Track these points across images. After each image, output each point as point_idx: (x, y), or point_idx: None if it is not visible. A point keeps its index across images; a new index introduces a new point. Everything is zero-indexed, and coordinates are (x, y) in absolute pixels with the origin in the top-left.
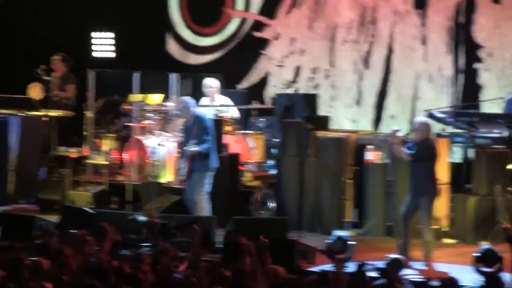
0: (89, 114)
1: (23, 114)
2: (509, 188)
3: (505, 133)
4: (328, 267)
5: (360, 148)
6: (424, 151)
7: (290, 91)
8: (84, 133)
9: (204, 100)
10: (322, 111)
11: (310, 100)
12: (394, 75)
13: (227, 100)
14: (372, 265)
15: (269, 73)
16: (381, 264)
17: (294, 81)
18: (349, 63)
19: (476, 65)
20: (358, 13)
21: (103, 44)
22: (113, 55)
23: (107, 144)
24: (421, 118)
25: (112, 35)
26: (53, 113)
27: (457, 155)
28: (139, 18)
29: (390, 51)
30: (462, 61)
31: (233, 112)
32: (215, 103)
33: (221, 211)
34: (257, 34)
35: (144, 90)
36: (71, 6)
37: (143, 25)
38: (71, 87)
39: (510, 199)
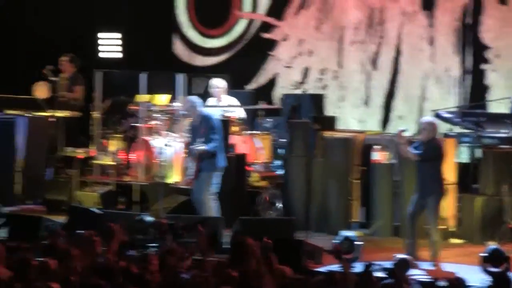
0: (96, 114)
1: (30, 115)
2: None
3: None
4: (335, 267)
5: (367, 148)
6: (430, 150)
7: (298, 92)
8: (91, 133)
9: (210, 101)
10: (330, 111)
11: (317, 100)
12: (401, 75)
13: (233, 101)
14: (379, 265)
15: (277, 74)
16: (388, 264)
17: (302, 82)
18: (357, 64)
19: (483, 66)
20: (366, 14)
21: (110, 45)
22: (120, 55)
23: (114, 145)
24: (427, 117)
25: (119, 35)
26: (60, 113)
27: (464, 155)
28: (145, 18)
29: (397, 52)
30: (469, 62)
31: (239, 113)
32: (222, 103)
33: (228, 211)
34: (265, 35)
35: (151, 90)
36: (77, 7)
37: (150, 26)
38: (80, 88)
39: None
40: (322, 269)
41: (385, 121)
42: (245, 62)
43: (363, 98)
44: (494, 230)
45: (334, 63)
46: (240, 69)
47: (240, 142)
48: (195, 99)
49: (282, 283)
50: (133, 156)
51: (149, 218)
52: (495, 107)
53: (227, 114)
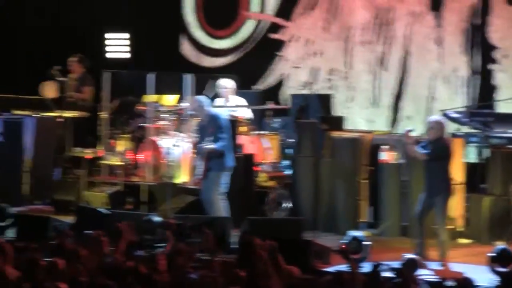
0: (104, 115)
1: (38, 115)
2: None
3: None
4: (343, 267)
5: (375, 148)
6: (438, 150)
7: (306, 92)
8: (99, 134)
9: (218, 101)
10: (338, 112)
11: (325, 100)
12: (409, 76)
13: (241, 101)
14: (387, 265)
15: (285, 74)
16: (396, 264)
17: (311, 83)
18: (365, 64)
19: (491, 66)
20: (373, 14)
21: (117, 45)
22: (127, 56)
23: (122, 145)
24: (435, 116)
25: (126, 35)
26: (68, 114)
27: (472, 155)
28: (153, 19)
29: (405, 52)
30: (477, 62)
31: (246, 113)
32: (230, 103)
33: (236, 211)
34: (274, 36)
35: (159, 91)
36: (85, 7)
37: (157, 26)
38: (88, 89)
39: None
40: (330, 269)
41: (394, 121)
42: (253, 62)
43: (371, 98)
44: (502, 230)
45: (342, 63)
46: (248, 69)
47: (248, 142)
48: (202, 99)
49: (290, 283)
50: (141, 156)
51: (157, 218)
52: (503, 107)
53: (235, 114)
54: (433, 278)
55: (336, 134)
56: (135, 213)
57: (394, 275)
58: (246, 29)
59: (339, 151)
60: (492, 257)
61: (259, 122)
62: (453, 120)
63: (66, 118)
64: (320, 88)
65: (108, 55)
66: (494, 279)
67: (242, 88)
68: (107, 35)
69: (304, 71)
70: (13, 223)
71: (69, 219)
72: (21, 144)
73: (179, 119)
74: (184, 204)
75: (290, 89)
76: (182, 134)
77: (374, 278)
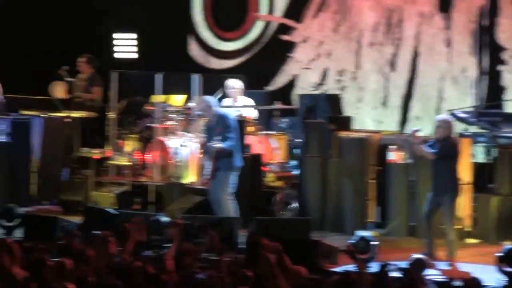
0: (111, 115)
1: (46, 115)
2: None
3: None
4: (351, 267)
5: (382, 149)
6: (446, 148)
7: (313, 92)
8: (107, 134)
9: (226, 101)
10: (348, 112)
11: (333, 100)
12: (418, 76)
13: (249, 101)
14: (395, 266)
15: (296, 75)
16: (404, 264)
17: (321, 84)
18: (375, 65)
19: (500, 67)
20: (383, 15)
21: (125, 45)
22: (135, 56)
23: (129, 145)
24: (443, 115)
25: (134, 36)
26: (75, 114)
27: (480, 155)
28: (161, 19)
29: (415, 53)
30: (485, 63)
31: (251, 113)
32: (238, 104)
33: (243, 211)
34: (285, 37)
35: (167, 91)
36: (93, 7)
37: (165, 27)
38: (97, 89)
39: None
40: (337, 269)
41: (403, 121)
42: (261, 63)
43: (381, 99)
44: (510, 230)
45: (351, 64)
46: (257, 70)
47: (256, 142)
48: (210, 99)
49: (297, 283)
50: (148, 157)
51: (164, 219)
52: (511, 107)
53: (243, 114)
54: (440, 278)
55: (343, 134)
56: (143, 213)
57: (401, 275)
58: (255, 31)
59: (346, 151)
60: (500, 257)
61: (267, 122)
62: (461, 120)
63: (74, 118)
64: (330, 89)
65: (116, 55)
66: (502, 279)
67: (251, 89)
68: (114, 35)
69: (314, 72)
70: (21, 223)
71: (77, 219)
72: (29, 145)
73: (187, 119)
74: (191, 204)
75: (300, 90)
76: (189, 134)
77: (381, 278)
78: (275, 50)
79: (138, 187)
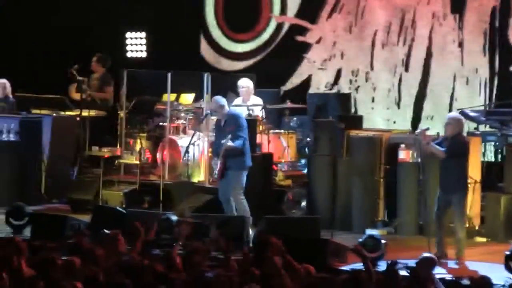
0: (122, 114)
1: (56, 114)
2: None
3: None
4: (360, 266)
5: (392, 147)
6: (456, 146)
7: (324, 91)
8: (117, 133)
9: (236, 100)
10: (361, 112)
11: (343, 99)
12: (431, 77)
13: (259, 101)
14: (404, 264)
15: (310, 75)
16: (413, 262)
17: (335, 83)
18: (387, 65)
19: (510, 67)
20: (396, 16)
21: (136, 44)
22: (145, 55)
23: (139, 144)
24: (453, 113)
25: (144, 35)
26: (86, 113)
27: (489, 153)
28: (172, 18)
29: (427, 53)
30: (496, 63)
31: (259, 112)
32: (248, 103)
33: (253, 210)
34: (299, 38)
35: (177, 90)
36: (103, 6)
37: (176, 26)
38: (110, 89)
39: None
40: (347, 267)
41: (415, 121)
42: (275, 64)
43: (394, 98)
44: None
45: (364, 64)
46: (270, 71)
47: (266, 141)
48: (221, 98)
49: (307, 282)
50: (158, 155)
51: (174, 217)
52: None
53: (254, 114)
54: (449, 276)
55: (353, 133)
56: (152, 212)
57: (410, 274)
58: (267, 33)
59: (356, 150)
60: (509, 255)
61: (277, 121)
62: (471, 118)
63: (84, 117)
64: (345, 89)
65: (127, 54)
66: (511, 277)
67: (261, 88)
68: (126, 34)
69: (330, 72)
70: (30, 222)
71: (86, 218)
72: (39, 143)
73: (198, 118)
74: (201, 203)
75: (315, 91)
76: (200, 133)
77: (390, 277)
78: (287, 50)
79: (148, 186)
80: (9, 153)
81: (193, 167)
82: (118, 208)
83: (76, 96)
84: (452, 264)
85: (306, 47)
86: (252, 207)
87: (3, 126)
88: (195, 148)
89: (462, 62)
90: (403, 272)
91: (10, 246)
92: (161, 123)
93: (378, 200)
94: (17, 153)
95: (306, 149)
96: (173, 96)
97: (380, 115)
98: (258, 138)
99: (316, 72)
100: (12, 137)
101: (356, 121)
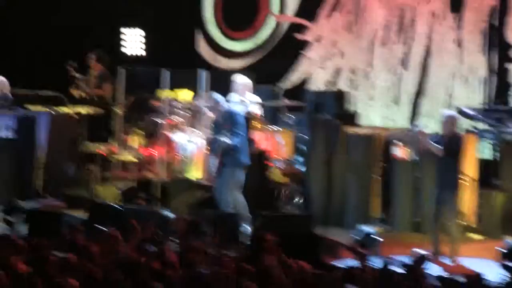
0: (118, 110)
1: (52, 111)
2: None
3: None
4: (355, 262)
5: (388, 145)
6: (452, 144)
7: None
8: (113, 129)
9: (233, 97)
10: (360, 110)
11: (340, 97)
12: (429, 75)
13: (256, 98)
14: (398, 261)
15: (309, 73)
16: (407, 259)
17: (334, 82)
18: (386, 64)
19: (508, 65)
20: (395, 15)
21: (133, 41)
22: (143, 52)
23: (136, 141)
24: (448, 111)
25: (141, 32)
26: (82, 109)
27: (486, 151)
28: (169, 15)
29: (426, 52)
30: (494, 61)
31: (256, 109)
32: (245, 100)
33: (250, 207)
34: (298, 36)
35: (174, 87)
36: (100, 2)
37: (173, 23)
38: (108, 86)
39: None
40: (341, 264)
41: (412, 119)
42: (273, 62)
43: (392, 97)
44: None
45: (363, 63)
46: (268, 69)
47: (263, 139)
48: (218, 95)
49: (300, 279)
50: (154, 152)
51: (170, 214)
52: None
53: (251, 111)
54: (443, 273)
55: (350, 130)
56: (148, 209)
57: (404, 271)
58: (265, 31)
59: (353, 147)
60: (504, 253)
61: (274, 119)
62: (468, 116)
63: (81, 114)
64: (344, 87)
65: (123, 51)
66: (505, 275)
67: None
68: (122, 31)
69: (329, 71)
70: (26, 219)
71: (82, 215)
72: (35, 140)
73: (194, 115)
74: (197, 200)
75: (314, 89)
76: (196, 130)
77: (385, 273)
78: (286, 49)
79: (144, 182)
80: (5, 151)
81: (189, 164)
82: (114, 204)
83: (74, 93)
84: (446, 261)
85: (305, 45)
86: (248, 204)
87: (1, 124)
88: (191, 145)
89: (461, 61)
90: (398, 269)
91: (7, 243)
92: (156, 120)
93: (374, 197)
94: (13, 150)
95: (303, 147)
96: (169, 93)
97: (378, 113)
98: (254, 135)
99: (315, 70)
100: (8, 134)
101: (352, 118)
